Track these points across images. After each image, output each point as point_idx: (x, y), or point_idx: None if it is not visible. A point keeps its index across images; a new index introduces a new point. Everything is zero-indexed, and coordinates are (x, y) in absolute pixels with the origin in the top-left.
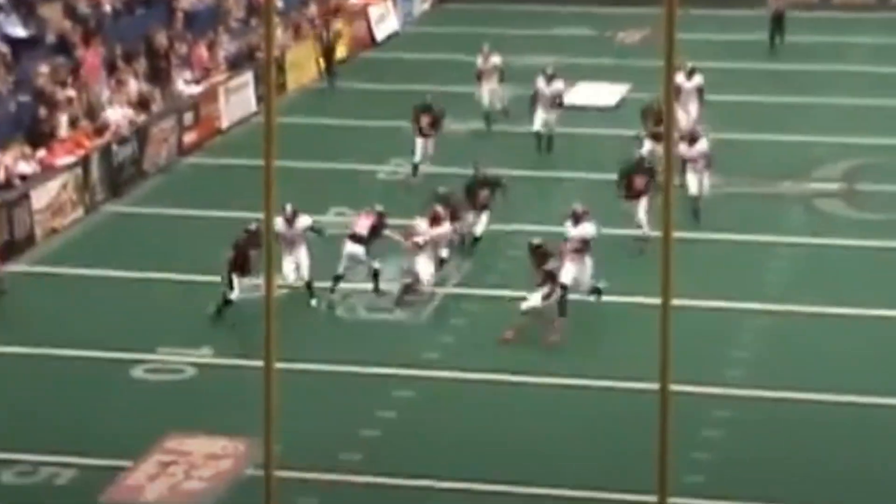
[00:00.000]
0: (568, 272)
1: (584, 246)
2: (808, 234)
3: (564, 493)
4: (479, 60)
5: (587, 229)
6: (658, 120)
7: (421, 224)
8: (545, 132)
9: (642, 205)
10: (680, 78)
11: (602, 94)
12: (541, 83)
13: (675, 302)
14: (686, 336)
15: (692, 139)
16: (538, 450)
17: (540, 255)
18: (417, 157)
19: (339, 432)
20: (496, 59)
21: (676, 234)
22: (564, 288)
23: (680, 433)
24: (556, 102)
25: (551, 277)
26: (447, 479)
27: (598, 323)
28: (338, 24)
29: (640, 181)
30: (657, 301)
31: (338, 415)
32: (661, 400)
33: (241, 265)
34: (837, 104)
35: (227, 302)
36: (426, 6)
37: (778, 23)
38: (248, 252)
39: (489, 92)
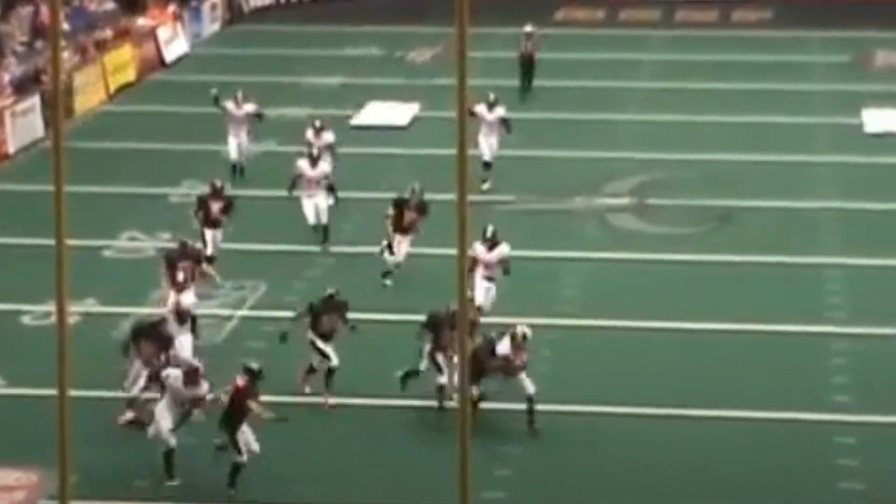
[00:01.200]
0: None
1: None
2: (600, 249)
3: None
4: (231, 106)
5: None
6: (418, 210)
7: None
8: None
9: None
10: (481, 108)
11: (393, 113)
12: (310, 135)
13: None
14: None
15: (493, 244)
16: (340, 469)
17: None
18: (210, 250)
19: (134, 459)
20: (249, 107)
21: (471, 252)
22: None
23: (480, 449)
24: (331, 154)
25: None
26: (245, 501)
27: (391, 342)
28: (77, 76)
29: (328, 321)
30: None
31: (133, 441)
32: (460, 415)
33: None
34: (627, 120)
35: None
36: (216, 27)
37: (527, 68)
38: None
39: (238, 143)
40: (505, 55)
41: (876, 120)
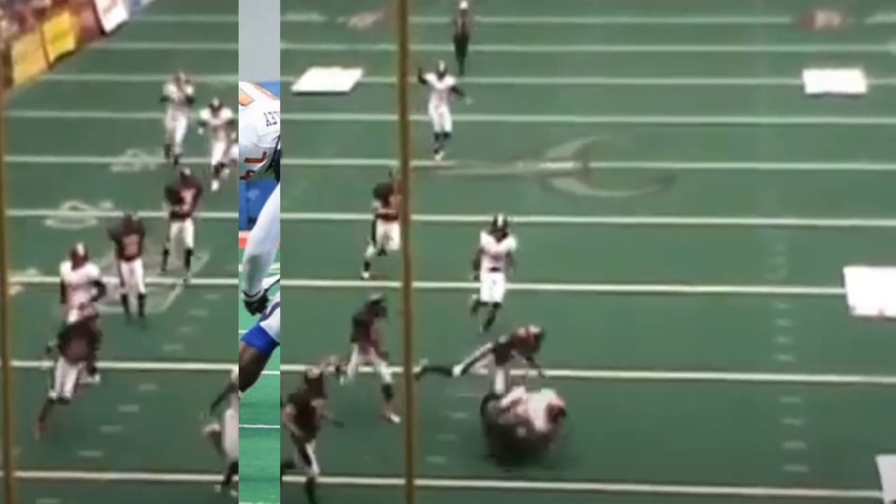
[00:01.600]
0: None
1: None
2: (544, 213)
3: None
4: (172, 88)
5: None
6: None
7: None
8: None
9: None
10: (431, 77)
11: (335, 79)
12: (206, 115)
13: (416, 285)
14: (428, 318)
15: (503, 234)
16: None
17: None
18: (172, 244)
19: (79, 429)
20: (190, 90)
21: (414, 217)
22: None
23: (426, 415)
24: (230, 139)
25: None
26: (192, 471)
27: (327, 310)
28: (15, 45)
29: (365, 332)
30: (397, 284)
31: (78, 411)
32: (405, 382)
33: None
34: (569, 84)
35: None
36: None
37: (461, 45)
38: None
39: (178, 124)
40: (447, 20)
41: (817, 81)
